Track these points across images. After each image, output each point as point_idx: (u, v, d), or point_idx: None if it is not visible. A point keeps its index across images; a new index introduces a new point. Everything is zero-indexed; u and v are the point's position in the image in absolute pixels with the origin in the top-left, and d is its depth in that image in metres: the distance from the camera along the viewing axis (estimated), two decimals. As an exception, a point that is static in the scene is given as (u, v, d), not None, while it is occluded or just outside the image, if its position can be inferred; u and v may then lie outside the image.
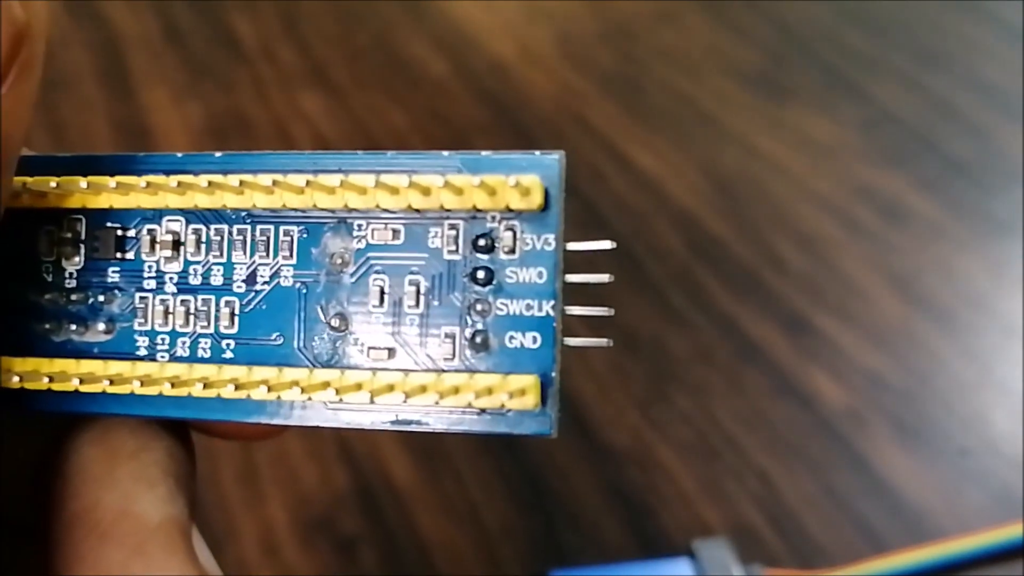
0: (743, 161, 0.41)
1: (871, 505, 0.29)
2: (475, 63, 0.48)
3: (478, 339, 0.13)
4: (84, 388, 0.13)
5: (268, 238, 0.13)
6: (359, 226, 0.13)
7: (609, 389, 0.32)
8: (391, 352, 0.13)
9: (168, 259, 0.14)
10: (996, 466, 0.30)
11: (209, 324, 0.13)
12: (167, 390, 0.13)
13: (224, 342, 0.13)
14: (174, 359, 0.13)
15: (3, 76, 0.11)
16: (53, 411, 0.14)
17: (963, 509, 0.29)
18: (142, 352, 0.14)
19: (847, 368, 0.33)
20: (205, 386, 0.13)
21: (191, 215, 0.14)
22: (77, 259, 0.14)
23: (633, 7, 0.51)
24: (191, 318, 0.13)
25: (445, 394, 0.12)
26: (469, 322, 0.13)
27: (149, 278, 0.14)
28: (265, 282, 0.13)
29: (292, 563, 0.28)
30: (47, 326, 0.14)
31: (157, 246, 0.14)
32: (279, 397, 0.13)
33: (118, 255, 0.14)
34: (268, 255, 0.13)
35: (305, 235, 0.13)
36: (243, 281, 0.13)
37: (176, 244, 0.14)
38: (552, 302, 0.13)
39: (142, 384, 0.13)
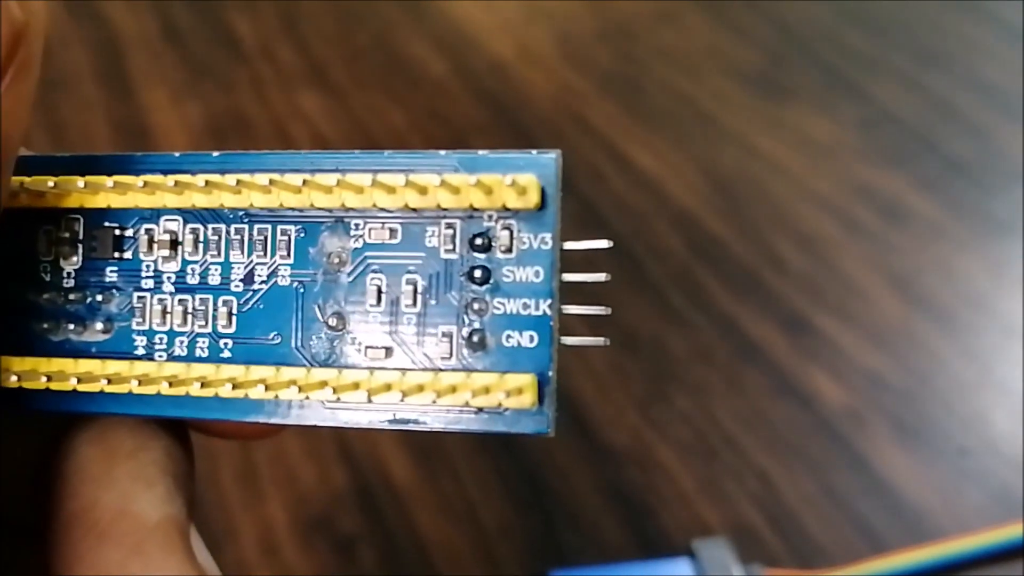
0: (743, 161, 0.41)
1: (871, 505, 0.29)
2: (474, 63, 0.48)
3: (475, 338, 0.13)
4: (82, 387, 0.13)
5: (265, 237, 0.13)
6: (356, 225, 0.13)
7: (609, 389, 0.32)
8: (388, 351, 0.13)
9: (166, 259, 0.14)
10: (996, 466, 0.30)
11: (207, 323, 0.13)
12: (165, 389, 0.13)
13: (222, 341, 0.13)
14: (172, 358, 0.13)
15: (1, 76, 0.11)
16: (51, 410, 0.14)
17: (963, 509, 0.29)
18: (140, 351, 0.14)
19: (847, 368, 0.33)
20: (203, 385, 0.13)
21: (189, 215, 0.14)
22: (75, 259, 0.14)
23: (633, 7, 0.51)
24: (189, 317, 0.14)
25: (442, 393, 0.12)
26: (466, 321, 0.13)
27: (147, 278, 0.14)
28: (263, 281, 0.13)
29: (291, 562, 0.28)
30: (45, 325, 0.14)
31: (155, 246, 0.14)
32: (277, 396, 0.13)
33: (116, 255, 0.14)
34: (265, 254, 0.13)
35: (302, 234, 0.13)
36: (241, 280, 0.13)
37: (174, 244, 0.14)
38: (549, 301, 0.13)
39: (140, 383, 0.13)
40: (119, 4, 0.52)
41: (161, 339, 0.14)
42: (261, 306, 0.13)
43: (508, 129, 0.43)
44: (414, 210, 0.13)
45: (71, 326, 0.14)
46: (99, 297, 0.14)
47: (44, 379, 0.13)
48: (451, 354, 0.13)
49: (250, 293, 0.13)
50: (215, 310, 0.13)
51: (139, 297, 0.14)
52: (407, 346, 0.13)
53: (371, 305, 0.13)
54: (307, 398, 0.13)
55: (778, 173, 0.40)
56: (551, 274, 0.13)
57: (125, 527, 0.13)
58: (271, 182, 0.13)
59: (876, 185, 0.40)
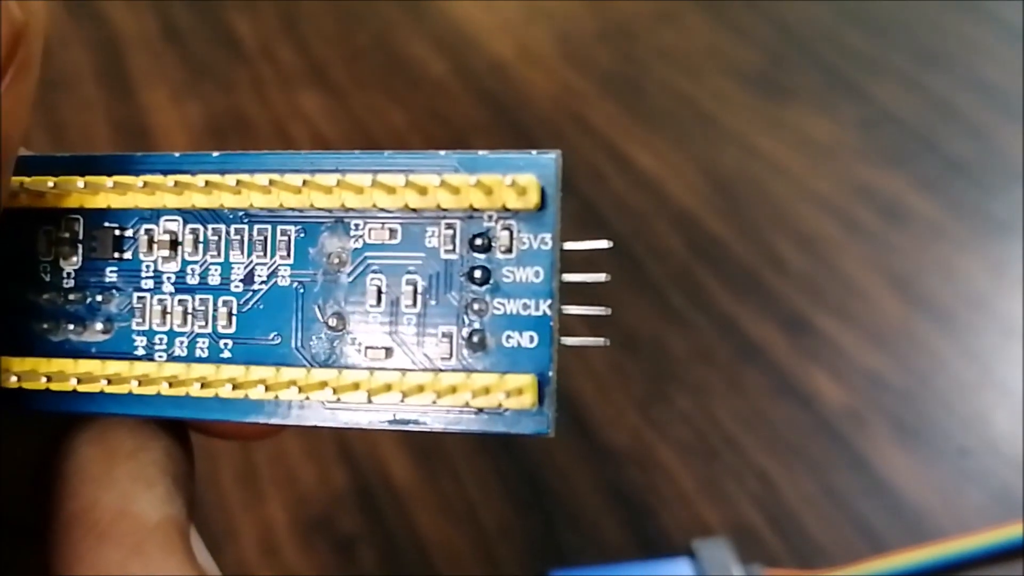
0: (743, 161, 0.41)
1: (871, 505, 0.29)
2: (475, 63, 0.48)
3: (475, 338, 0.13)
4: (82, 388, 0.13)
5: (265, 238, 0.13)
6: (356, 226, 0.13)
7: (609, 389, 0.32)
8: (388, 352, 0.13)
9: (166, 259, 0.14)
10: (996, 466, 0.30)
11: (207, 324, 0.13)
12: (165, 390, 0.13)
13: (222, 342, 0.13)
14: (172, 359, 0.13)
15: (1, 75, 0.11)
16: (51, 411, 0.14)
17: (963, 509, 0.29)
18: (140, 352, 0.14)
19: (847, 368, 0.33)
20: (203, 386, 0.13)
21: (188, 215, 0.14)
22: (75, 259, 0.14)
23: (633, 7, 0.51)
24: (189, 318, 0.13)
25: (443, 393, 0.12)
26: (466, 321, 0.13)
27: (147, 278, 0.14)
28: (263, 282, 0.13)
29: (291, 563, 0.28)
30: (45, 326, 0.14)
31: (155, 246, 0.14)
32: (277, 397, 0.13)
33: (116, 255, 0.14)
34: (265, 255, 0.13)
35: (302, 235, 0.13)
36: (240, 281, 0.13)
37: (174, 244, 0.14)
38: (549, 301, 0.13)
39: (140, 384, 0.13)
40: (119, 4, 0.52)
41: (161, 339, 0.14)
42: (261, 306, 0.13)
43: (508, 129, 0.43)
44: (414, 210, 0.13)
45: (71, 326, 0.14)
46: (99, 297, 0.14)
47: (44, 379, 0.13)
48: (451, 354, 0.13)
49: (250, 293, 0.13)
50: (215, 310, 0.13)
51: (139, 297, 0.14)
52: (407, 346, 0.13)
53: (371, 305, 0.13)
54: (307, 399, 0.13)
55: (778, 173, 0.40)
56: (551, 274, 0.13)
57: (125, 527, 0.13)
58: (271, 182, 0.13)
59: (876, 185, 0.40)
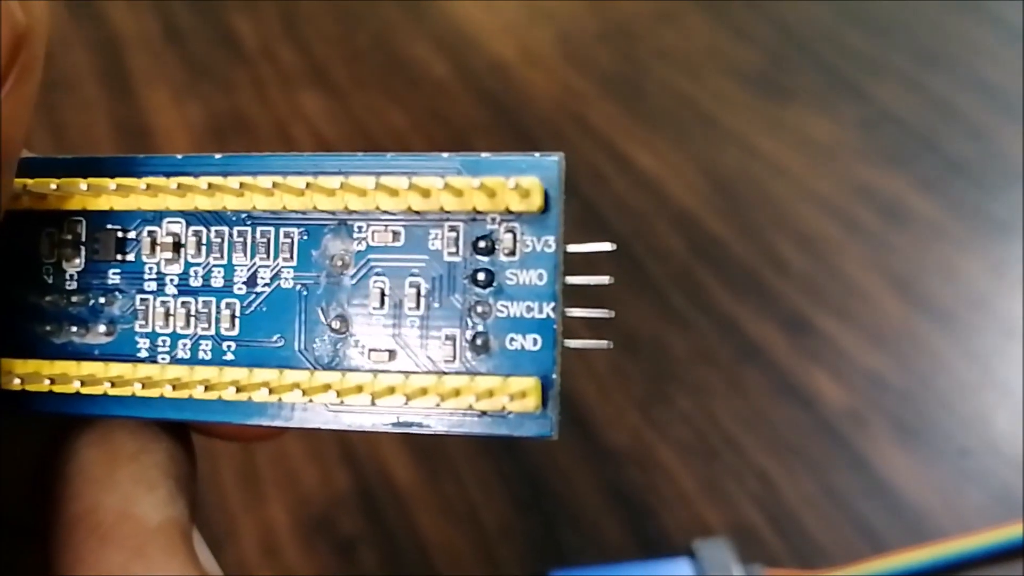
0: (743, 161, 0.41)
1: (871, 505, 0.29)
2: (475, 63, 0.48)
3: (479, 341, 0.13)
4: (85, 390, 0.13)
5: (268, 240, 0.13)
6: (359, 228, 0.13)
7: (609, 390, 0.32)
8: (392, 354, 0.13)
9: (169, 261, 0.14)
10: (996, 466, 0.30)
11: (210, 326, 0.13)
12: (168, 392, 0.13)
13: (225, 344, 0.13)
14: (175, 361, 0.13)
15: (3, 79, 0.11)
16: (54, 413, 0.14)
17: (963, 509, 0.29)
18: (143, 354, 0.14)
19: (847, 368, 0.33)
20: (206, 388, 0.13)
21: (191, 217, 0.14)
22: (78, 261, 0.14)
23: (633, 7, 0.51)
24: (192, 320, 0.13)
25: (446, 396, 0.12)
26: (470, 324, 0.13)
27: (150, 280, 0.14)
28: (266, 284, 0.13)
29: (292, 564, 0.28)
30: (48, 328, 0.14)
31: (158, 248, 0.14)
32: (280, 399, 0.13)
33: (119, 257, 0.14)
34: (269, 257, 0.13)
35: (305, 237, 0.13)
36: (244, 283, 0.13)
37: (176, 246, 0.14)
38: (552, 304, 0.13)
39: (143, 386, 0.13)
40: (120, 4, 0.52)
41: (164, 342, 0.14)
42: (264, 309, 0.13)
43: (509, 130, 0.43)
44: (417, 213, 0.13)
45: (74, 328, 0.14)
46: (102, 299, 0.14)
47: (47, 381, 0.13)
48: (455, 357, 0.13)
49: (253, 296, 0.13)
50: (218, 313, 0.13)
51: (142, 299, 0.14)
52: (410, 349, 0.13)
53: (374, 308, 0.13)
54: (310, 401, 0.13)
55: (778, 173, 0.40)
56: (554, 277, 0.13)
57: (127, 529, 0.13)
58: (274, 185, 0.13)
59: (876, 185, 0.40)
